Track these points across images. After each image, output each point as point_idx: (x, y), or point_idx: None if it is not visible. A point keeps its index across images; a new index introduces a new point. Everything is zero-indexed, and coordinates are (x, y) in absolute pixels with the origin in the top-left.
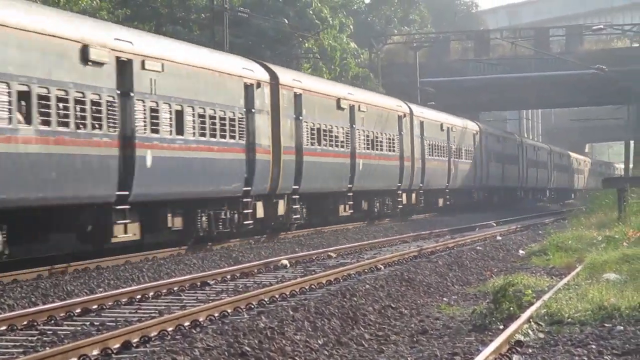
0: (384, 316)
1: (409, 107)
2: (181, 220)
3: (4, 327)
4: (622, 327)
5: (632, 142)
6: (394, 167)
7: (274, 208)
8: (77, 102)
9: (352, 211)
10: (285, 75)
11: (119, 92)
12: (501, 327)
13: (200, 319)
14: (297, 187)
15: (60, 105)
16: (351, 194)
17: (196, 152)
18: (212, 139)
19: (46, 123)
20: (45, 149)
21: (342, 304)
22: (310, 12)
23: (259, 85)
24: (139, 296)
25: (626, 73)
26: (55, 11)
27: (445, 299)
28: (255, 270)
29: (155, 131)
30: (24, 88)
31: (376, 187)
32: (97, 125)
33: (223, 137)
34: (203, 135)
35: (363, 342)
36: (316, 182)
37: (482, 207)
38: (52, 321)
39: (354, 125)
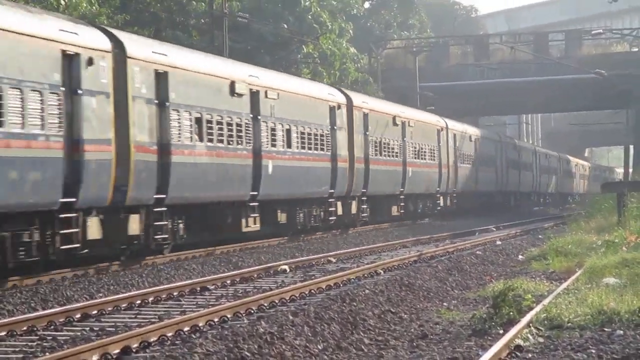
0: (384, 321)
1: (445, 122)
2: (285, 216)
3: (3, 333)
4: (621, 332)
5: (631, 147)
6: (434, 173)
7: (348, 207)
8: (228, 124)
9: (402, 211)
10: (357, 98)
11: (251, 115)
12: (501, 331)
13: (200, 324)
14: (364, 190)
15: (218, 127)
16: (403, 196)
17: (299, 162)
18: (309, 151)
19: (211, 140)
20: (210, 159)
21: (342, 309)
22: (309, 17)
23: (339, 107)
24: (138, 301)
25: (625, 77)
26: (210, 56)
27: (445, 303)
28: (255, 275)
29: (274, 145)
30: (198, 115)
31: (422, 190)
32: (239, 142)
33: (316, 149)
34: (303, 148)
35: (363, 347)
36: (379, 186)
37: (501, 209)
38: (52, 326)
39: (404, 139)
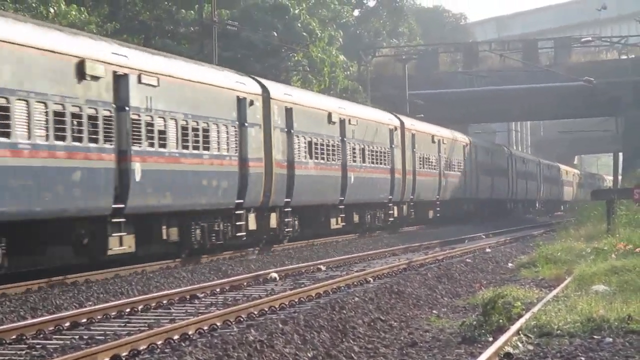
0: (374, 329)
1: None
2: (358, 217)
3: None
4: (611, 339)
5: (620, 154)
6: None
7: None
8: (327, 145)
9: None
10: (407, 121)
11: (340, 138)
12: (490, 339)
13: (190, 332)
14: (412, 196)
15: (321, 147)
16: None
17: (370, 174)
18: (373, 164)
19: (316, 157)
20: (317, 172)
21: (332, 317)
22: (299, 25)
23: (396, 129)
24: (128, 310)
25: (614, 85)
26: (316, 94)
27: (434, 311)
28: (245, 284)
29: (354, 161)
30: (309, 139)
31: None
32: (333, 158)
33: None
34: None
35: (352, 354)
36: (422, 193)
37: (471, 219)
38: (41, 335)
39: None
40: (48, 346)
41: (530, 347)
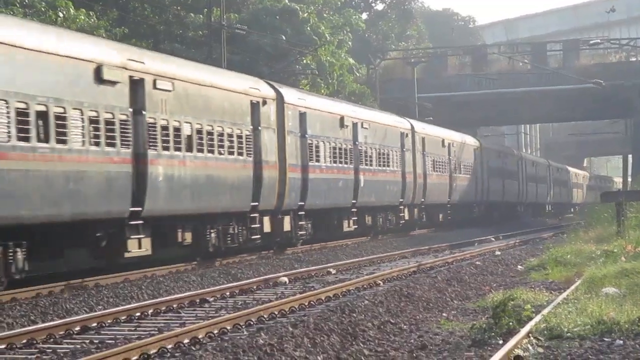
0: (383, 332)
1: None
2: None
3: (3, 346)
4: (621, 341)
5: (629, 156)
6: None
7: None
8: (339, 149)
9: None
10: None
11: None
12: (500, 342)
13: (200, 336)
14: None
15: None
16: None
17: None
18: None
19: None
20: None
21: (342, 320)
22: (308, 28)
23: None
24: (138, 314)
25: (624, 87)
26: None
27: (444, 314)
28: (255, 287)
29: (366, 164)
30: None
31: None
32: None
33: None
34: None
35: (362, 358)
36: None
37: (483, 223)
38: (52, 339)
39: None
40: (58, 350)
41: (541, 350)
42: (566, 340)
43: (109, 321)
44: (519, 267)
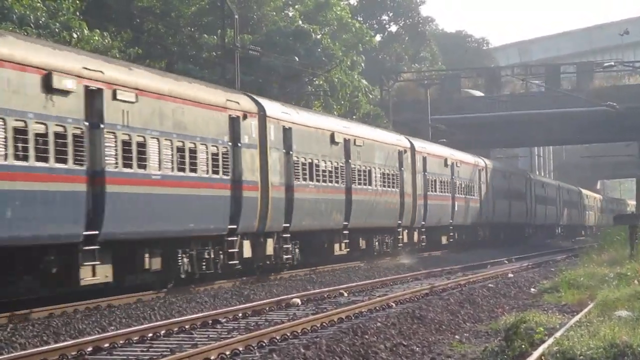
0: (396, 354)
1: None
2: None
3: None
4: None
5: None
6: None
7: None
8: (327, 166)
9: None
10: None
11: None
12: None
13: (212, 357)
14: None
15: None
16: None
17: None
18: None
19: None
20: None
21: (354, 342)
22: (319, 50)
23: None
24: (150, 334)
25: (637, 110)
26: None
27: (457, 336)
28: (267, 308)
29: (359, 183)
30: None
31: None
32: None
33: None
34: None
35: None
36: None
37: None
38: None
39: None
40: None
41: None
42: None
43: (121, 342)
44: (532, 289)
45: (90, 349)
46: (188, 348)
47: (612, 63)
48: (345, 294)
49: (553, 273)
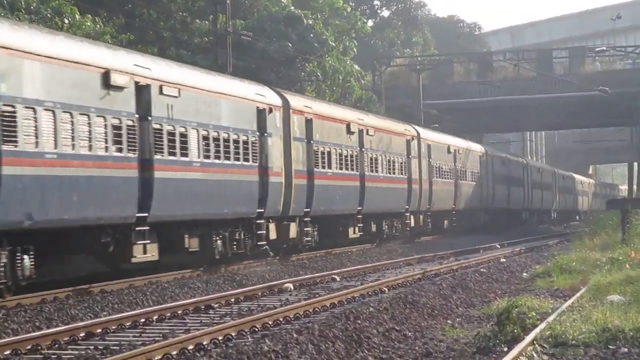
0: (388, 339)
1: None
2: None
3: (8, 352)
4: (626, 349)
5: (635, 164)
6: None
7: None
8: (345, 155)
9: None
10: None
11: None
12: (505, 349)
13: (205, 343)
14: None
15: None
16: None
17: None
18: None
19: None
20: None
21: (346, 327)
22: (312, 35)
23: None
24: (142, 320)
25: (629, 94)
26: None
27: (449, 321)
28: (259, 294)
29: (372, 170)
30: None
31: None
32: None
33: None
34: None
35: None
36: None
37: (485, 231)
38: (56, 345)
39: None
40: (63, 356)
41: (545, 358)
42: (571, 347)
43: (113, 327)
44: (524, 274)
45: (82, 334)
46: (180, 333)
47: (604, 48)
48: (338, 279)
49: (545, 258)
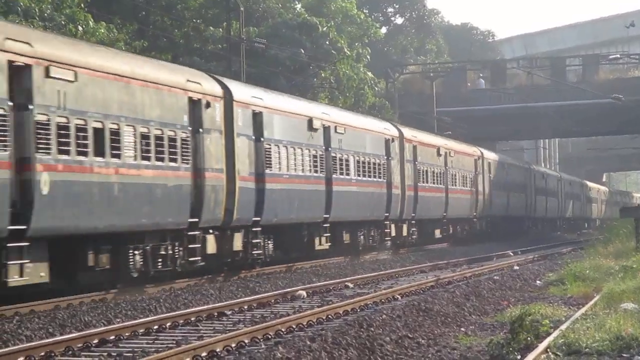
0: (401, 346)
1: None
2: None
3: (21, 359)
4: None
5: None
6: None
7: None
8: (304, 155)
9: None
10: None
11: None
12: (518, 357)
13: (218, 350)
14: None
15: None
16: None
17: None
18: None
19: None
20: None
21: (359, 334)
22: (327, 42)
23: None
24: (156, 327)
25: None
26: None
27: (462, 328)
28: (272, 301)
29: (341, 173)
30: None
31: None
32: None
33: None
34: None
35: None
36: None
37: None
38: (70, 352)
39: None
40: None
41: None
42: (584, 355)
43: (127, 334)
44: (538, 282)
45: (96, 341)
46: (193, 340)
47: (618, 55)
48: (351, 286)
49: (559, 266)
